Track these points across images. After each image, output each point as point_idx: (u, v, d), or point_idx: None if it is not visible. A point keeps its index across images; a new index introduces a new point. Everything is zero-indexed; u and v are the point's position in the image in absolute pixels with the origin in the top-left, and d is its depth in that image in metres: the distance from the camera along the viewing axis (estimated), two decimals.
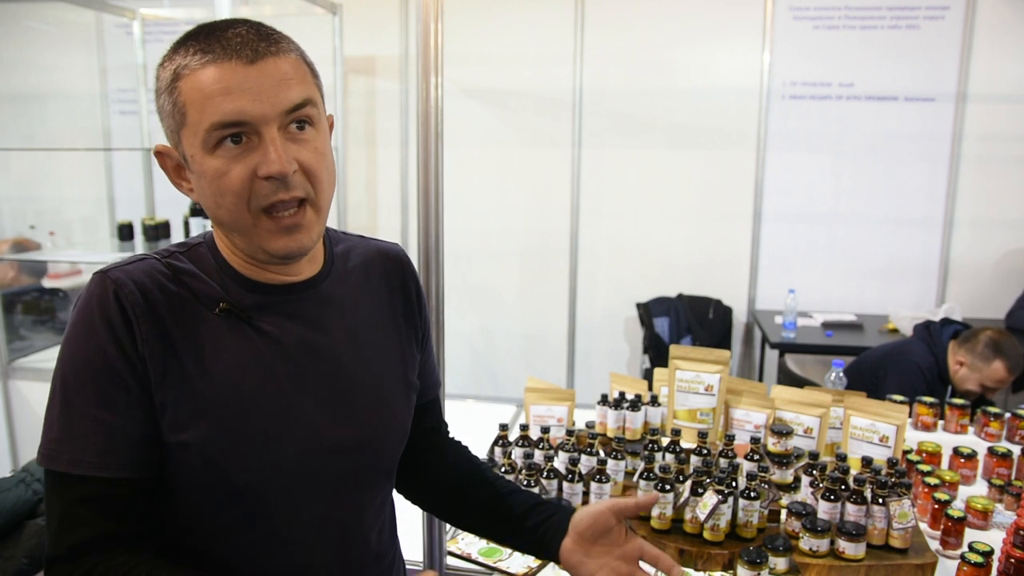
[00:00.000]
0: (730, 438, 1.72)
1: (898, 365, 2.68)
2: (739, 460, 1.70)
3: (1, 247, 3.66)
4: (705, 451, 1.71)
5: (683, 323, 3.98)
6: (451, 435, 1.22)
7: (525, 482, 1.61)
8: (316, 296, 0.93)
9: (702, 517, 1.53)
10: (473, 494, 1.10)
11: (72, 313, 0.84)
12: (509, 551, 1.60)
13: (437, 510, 1.18)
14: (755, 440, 1.71)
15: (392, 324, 1.02)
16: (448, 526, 1.59)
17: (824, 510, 1.56)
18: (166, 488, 0.89)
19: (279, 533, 0.90)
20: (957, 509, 1.62)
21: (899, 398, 2.13)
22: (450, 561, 1.56)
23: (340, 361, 0.93)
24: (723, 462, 1.69)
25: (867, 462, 1.64)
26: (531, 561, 1.56)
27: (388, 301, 1.02)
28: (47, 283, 3.76)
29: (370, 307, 0.99)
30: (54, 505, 0.82)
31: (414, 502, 1.17)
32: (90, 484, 0.81)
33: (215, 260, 0.90)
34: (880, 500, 1.52)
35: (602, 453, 1.72)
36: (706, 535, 1.54)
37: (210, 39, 0.80)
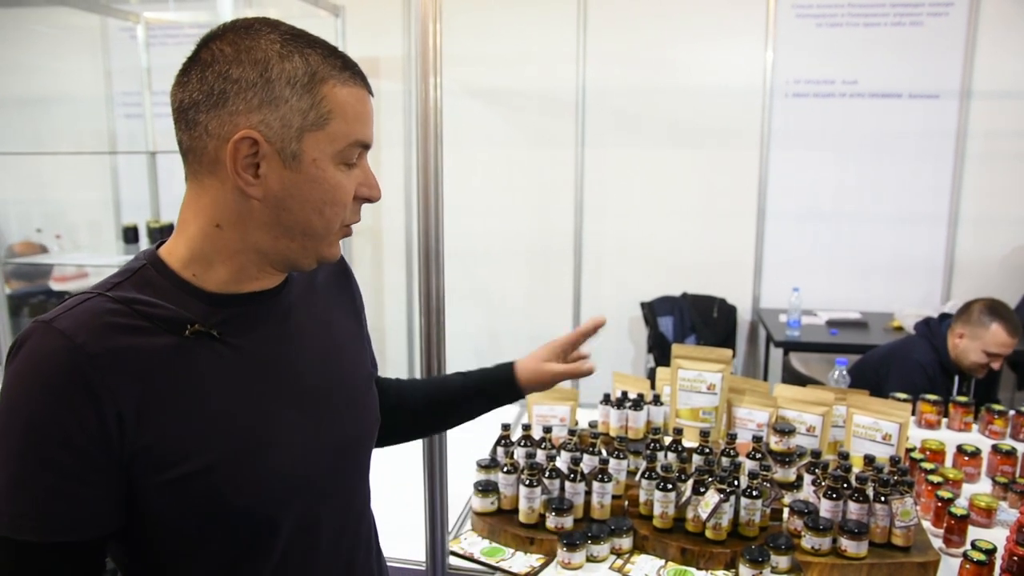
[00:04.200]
0: (732, 437, 1.72)
1: (900, 364, 2.68)
2: (741, 459, 1.70)
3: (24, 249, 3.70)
4: (707, 450, 1.71)
5: (687, 322, 3.98)
6: (381, 379, 1.24)
7: (527, 481, 1.62)
8: (279, 302, 0.92)
9: (704, 516, 1.53)
10: (430, 406, 1.25)
11: (12, 362, 0.77)
12: (512, 550, 1.60)
13: (415, 435, 1.32)
14: (757, 439, 1.71)
15: (345, 318, 1.04)
16: (450, 527, 1.60)
17: (826, 508, 1.55)
18: (149, 537, 0.84)
19: (281, 546, 0.89)
20: (960, 507, 1.61)
21: (902, 396, 2.13)
22: (452, 561, 1.56)
23: (313, 363, 0.94)
24: (725, 461, 1.69)
25: (869, 460, 1.63)
26: (533, 560, 1.56)
27: (337, 297, 1.04)
28: (54, 286, 3.78)
29: (324, 306, 1.00)
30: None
31: (396, 443, 1.24)
32: (31, 548, 0.77)
33: (168, 280, 0.84)
34: (882, 498, 1.52)
35: (604, 452, 1.72)
36: (708, 534, 1.54)
37: (337, 54, 0.84)
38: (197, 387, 0.82)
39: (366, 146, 0.87)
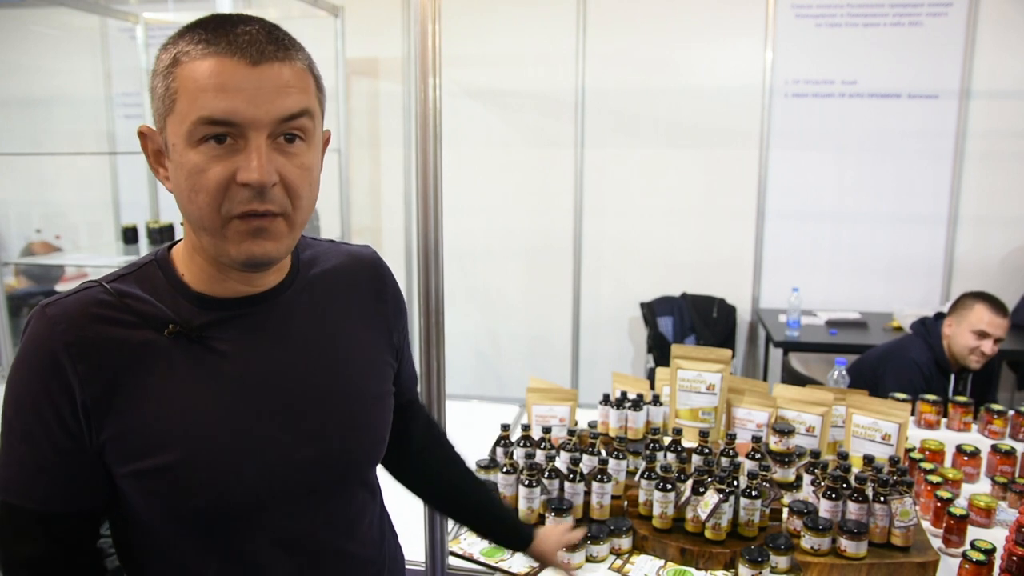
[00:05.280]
0: (732, 437, 1.72)
1: (896, 364, 2.68)
2: (740, 459, 1.70)
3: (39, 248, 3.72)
4: (707, 450, 1.71)
5: (687, 322, 3.98)
6: (436, 427, 1.25)
7: (527, 482, 1.62)
8: (279, 307, 0.90)
9: (703, 516, 1.53)
10: (456, 500, 1.26)
11: (19, 343, 0.84)
12: (511, 551, 1.60)
13: (427, 502, 1.32)
14: (757, 439, 1.71)
15: (365, 330, 0.99)
16: (449, 526, 1.60)
17: (826, 508, 1.56)
18: (127, 518, 0.87)
19: (248, 553, 0.88)
20: (960, 507, 1.62)
21: (902, 396, 2.13)
22: (452, 561, 1.56)
23: (305, 373, 0.90)
24: (724, 461, 1.69)
25: (869, 460, 1.64)
26: (532, 561, 1.56)
27: (360, 307, 0.99)
28: (59, 287, 3.79)
29: (339, 314, 0.96)
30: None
31: (404, 485, 1.25)
32: (17, 510, 0.84)
33: (166, 278, 0.86)
34: (882, 498, 1.52)
35: (604, 453, 1.72)
36: (708, 534, 1.54)
37: (218, 31, 0.77)
38: (167, 386, 0.83)
39: (219, 122, 0.76)
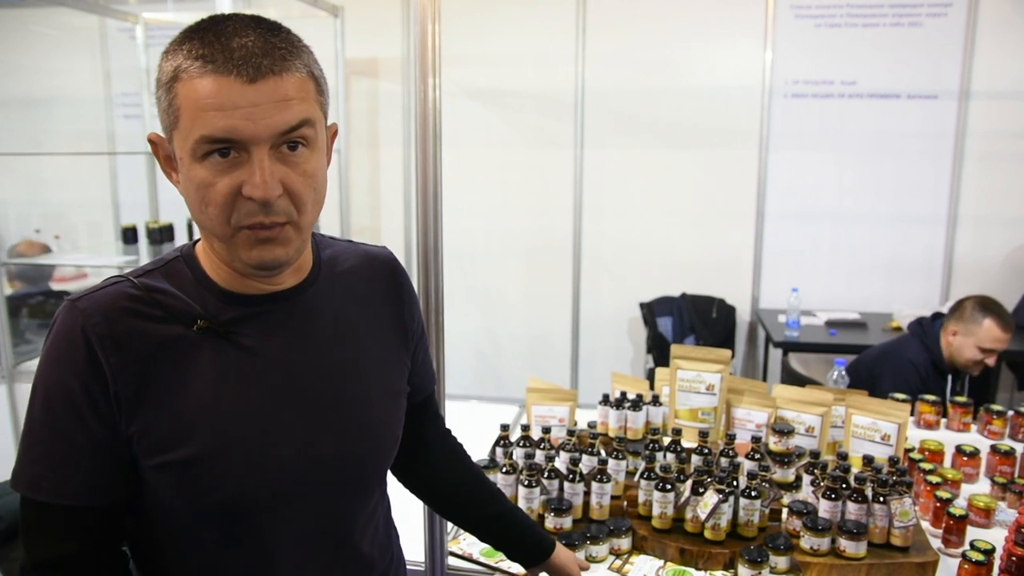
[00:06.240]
0: (731, 437, 1.72)
1: (892, 363, 2.68)
2: (740, 459, 1.70)
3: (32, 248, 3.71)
4: (706, 450, 1.71)
5: (686, 322, 3.98)
6: (452, 436, 1.24)
7: (526, 482, 1.62)
8: (300, 305, 0.92)
9: (703, 516, 1.53)
10: (471, 506, 1.22)
11: (46, 338, 0.85)
12: None
13: (437, 509, 1.28)
14: (756, 439, 1.71)
15: (381, 330, 1.01)
16: (449, 526, 1.60)
17: (825, 509, 1.56)
18: (148, 511, 0.89)
19: (266, 549, 0.90)
20: (959, 507, 1.62)
21: (901, 396, 2.13)
22: (451, 561, 1.56)
23: (325, 371, 0.92)
24: (724, 461, 1.69)
25: (868, 460, 1.64)
26: None
27: (377, 307, 1.01)
28: (55, 286, 3.78)
29: (358, 313, 0.98)
30: (23, 519, 0.86)
31: (414, 493, 1.23)
32: (48, 508, 0.84)
33: (193, 274, 0.88)
34: (881, 498, 1.52)
35: (603, 453, 1.72)
36: (707, 534, 1.54)
37: (214, 44, 0.78)
38: (195, 381, 0.84)
39: (219, 140, 0.78)
